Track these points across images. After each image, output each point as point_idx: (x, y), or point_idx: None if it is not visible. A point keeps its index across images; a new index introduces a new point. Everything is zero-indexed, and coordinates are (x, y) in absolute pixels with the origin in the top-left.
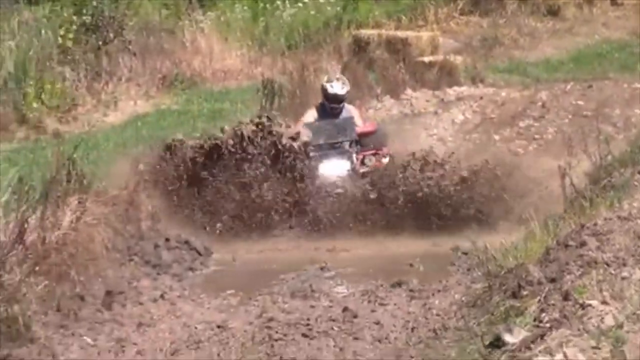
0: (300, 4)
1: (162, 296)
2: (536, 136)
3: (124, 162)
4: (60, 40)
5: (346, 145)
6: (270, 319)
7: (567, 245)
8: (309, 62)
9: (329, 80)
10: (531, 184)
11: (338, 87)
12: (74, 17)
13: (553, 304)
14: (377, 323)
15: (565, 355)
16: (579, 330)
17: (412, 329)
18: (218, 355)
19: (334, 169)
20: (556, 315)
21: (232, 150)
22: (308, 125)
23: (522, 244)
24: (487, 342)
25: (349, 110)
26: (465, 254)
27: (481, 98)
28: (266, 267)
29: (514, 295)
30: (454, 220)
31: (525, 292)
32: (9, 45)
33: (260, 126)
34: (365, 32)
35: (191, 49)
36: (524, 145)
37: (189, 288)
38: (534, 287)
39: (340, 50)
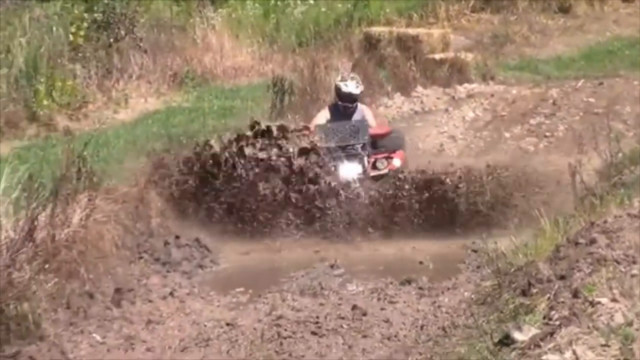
0: (311, 1)
1: (171, 294)
2: (547, 134)
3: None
4: (71, 37)
5: (358, 148)
6: (280, 317)
7: (577, 243)
8: (319, 59)
9: (342, 79)
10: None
11: (352, 86)
12: (85, 14)
13: (562, 302)
14: (387, 321)
15: (574, 352)
16: (588, 328)
17: (422, 327)
18: (227, 352)
19: (345, 172)
20: (566, 312)
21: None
22: (321, 127)
23: (532, 241)
24: (496, 340)
25: (362, 110)
26: (475, 251)
27: (492, 95)
28: (276, 265)
29: (524, 293)
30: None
31: (534, 290)
32: (20, 42)
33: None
34: (376, 30)
35: (202, 46)
36: (535, 143)
37: (199, 286)
38: (544, 285)
39: (351, 48)
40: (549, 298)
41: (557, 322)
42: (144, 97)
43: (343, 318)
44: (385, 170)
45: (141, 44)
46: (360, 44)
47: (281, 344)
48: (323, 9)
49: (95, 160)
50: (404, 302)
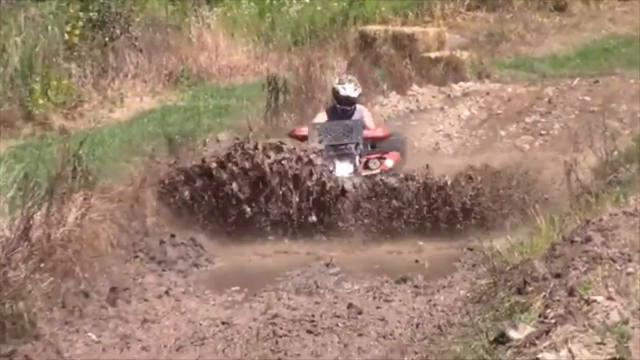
0: (306, 0)
1: (167, 292)
2: (542, 132)
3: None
4: (66, 36)
5: (351, 147)
6: (275, 316)
7: (572, 241)
8: (315, 58)
9: (340, 82)
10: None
11: (350, 90)
12: (81, 14)
13: (558, 300)
14: (382, 319)
15: (570, 351)
16: (584, 326)
17: (417, 325)
18: (223, 351)
19: (337, 172)
20: (561, 311)
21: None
22: (314, 126)
23: (528, 239)
24: (492, 338)
25: (361, 111)
26: (471, 249)
27: (487, 94)
28: (271, 263)
29: (519, 291)
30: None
31: (530, 288)
32: (15, 41)
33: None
34: (371, 28)
35: (197, 45)
36: (530, 141)
37: (194, 284)
38: (539, 283)
39: (347, 46)
40: (544, 296)
41: (553, 321)
42: (140, 96)
43: (338, 316)
44: (378, 170)
45: (136, 43)
46: (355, 43)
47: (277, 342)
48: (318, 8)
49: (90, 159)
50: (400, 300)
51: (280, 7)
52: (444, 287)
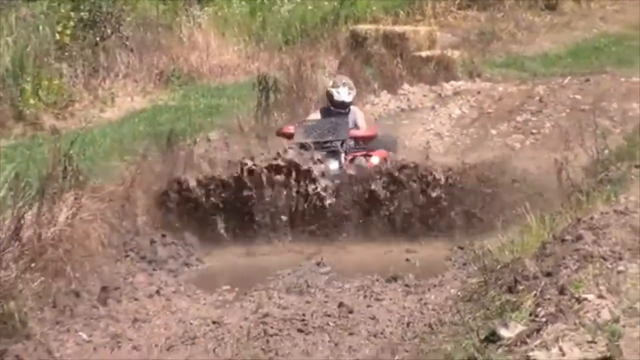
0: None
1: (157, 292)
2: (533, 130)
3: None
4: (57, 36)
5: (337, 145)
6: (266, 315)
7: (563, 240)
8: (306, 57)
9: (334, 86)
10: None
11: (344, 94)
12: (72, 13)
13: (549, 298)
14: (373, 318)
15: (561, 349)
16: (575, 324)
17: (408, 324)
18: (213, 351)
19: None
20: (552, 309)
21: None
22: (300, 124)
23: (518, 238)
24: (482, 337)
25: (354, 112)
26: (462, 248)
27: (478, 93)
28: (261, 263)
29: (510, 290)
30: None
31: (521, 287)
32: (6, 41)
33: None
34: (362, 27)
35: (188, 45)
36: (521, 140)
37: (185, 284)
38: (530, 282)
39: (338, 46)
40: (535, 295)
41: (544, 319)
42: (131, 95)
43: (329, 316)
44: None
45: (127, 43)
46: (346, 42)
47: (267, 341)
48: (309, 7)
49: (81, 159)
50: (390, 299)
51: (271, 7)
52: (434, 285)
